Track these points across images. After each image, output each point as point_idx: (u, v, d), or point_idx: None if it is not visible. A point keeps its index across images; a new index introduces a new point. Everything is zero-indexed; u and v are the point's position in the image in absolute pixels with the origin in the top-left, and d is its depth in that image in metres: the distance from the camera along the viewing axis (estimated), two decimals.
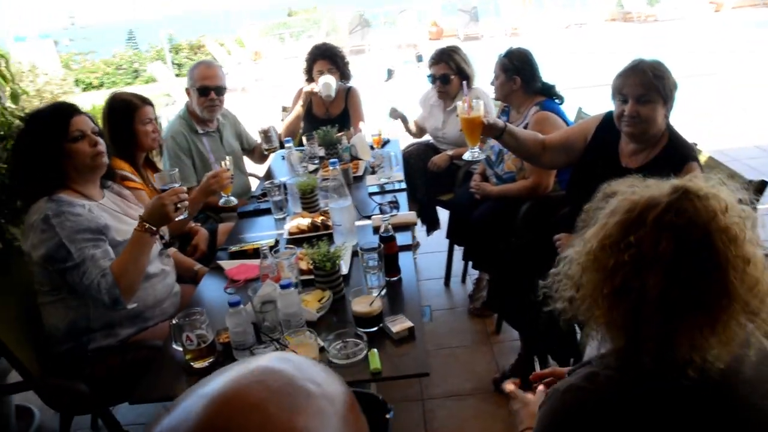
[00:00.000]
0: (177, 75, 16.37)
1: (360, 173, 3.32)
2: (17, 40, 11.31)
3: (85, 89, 14.80)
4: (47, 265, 1.97)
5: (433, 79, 3.56)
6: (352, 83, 4.04)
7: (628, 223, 1.00)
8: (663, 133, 2.16)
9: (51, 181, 2.03)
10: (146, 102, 2.72)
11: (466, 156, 2.44)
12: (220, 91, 3.32)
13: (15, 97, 2.62)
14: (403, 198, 2.92)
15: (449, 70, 3.52)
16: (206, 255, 2.74)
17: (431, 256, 3.95)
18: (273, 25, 18.74)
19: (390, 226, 2.11)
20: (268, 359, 0.53)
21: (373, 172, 3.28)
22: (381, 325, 1.80)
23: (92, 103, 6.63)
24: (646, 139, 2.18)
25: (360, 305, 1.81)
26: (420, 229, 3.99)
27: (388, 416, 0.62)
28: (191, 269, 2.54)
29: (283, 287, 1.77)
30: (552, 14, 14.81)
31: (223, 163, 2.63)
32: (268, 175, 3.59)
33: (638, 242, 0.97)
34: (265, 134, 3.49)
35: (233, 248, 2.52)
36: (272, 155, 3.72)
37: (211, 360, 1.75)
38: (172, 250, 2.57)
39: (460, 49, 3.63)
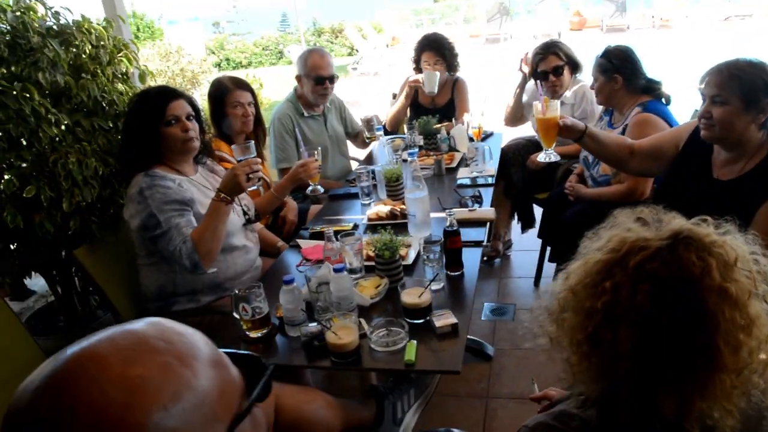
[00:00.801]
0: None
1: (453, 165, 3.32)
2: (170, 23, 12.36)
3: (234, 67, 15.96)
4: (141, 233, 2.17)
5: (544, 74, 3.44)
6: (459, 74, 4.02)
7: (609, 265, 0.89)
8: (763, 144, 1.96)
9: (149, 157, 2.23)
10: (240, 86, 2.88)
11: (541, 157, 2.40)
12: (333, 79, 3.47)
13: (143, 77, 2.90)
14: (488, 193, 2.88)
15: (560, 61, 3.40)
16: (294, 231, 2.89)
17: (525, 254, 3.85)
18: (413, 10, 18.91)
19: (455, 221, 2.10)
20: (136, 323, 0.60)
21: (467, 165, 3.26)
22: (428, 317, 1.82)
23: None
24: (735, 148, 1.99)
25: (409, 296, 1.84)
26: (515, 227, 3.93)
27: (266, 373, 0.69)
28: (275, 245, 2.70)
29: (336, 271, 1.84)
30: (709, 5, 13.59)
31: (315, 153, 2.74)
32: (368, 160, 3.69)
33: (614, 289, 0.87)
34: (368, 123, 3.57)
35: (314, 228, 2.64)
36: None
37: (264, 331, 1.87)
38: (259, 225, 2.74)
39: (561, 41, 3.51)
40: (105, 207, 2.48)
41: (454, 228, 2.09)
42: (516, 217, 3.86)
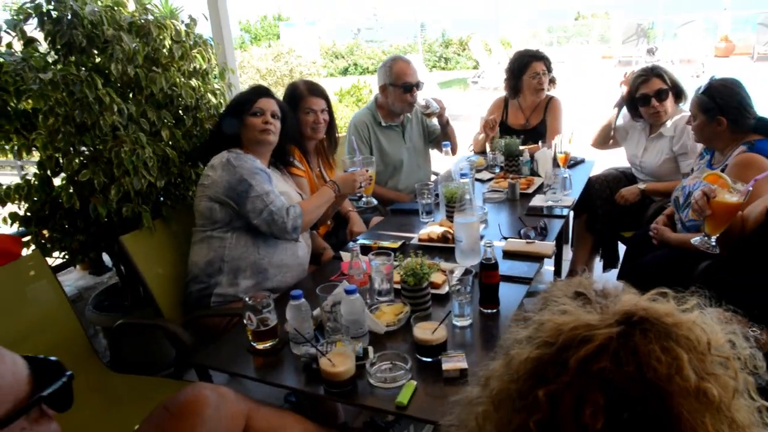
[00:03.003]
0: (441, 68, 17.16)
1: (529, 191, 3.09)
2: (287, 25, 12.82)
3: (361, 73, 16.37)
4: (227, 194, 2.27)
5: (645, 98, 3.12)
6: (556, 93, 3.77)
7: (542, 364, 0.66)
8: None
9: (232, 139, 2.40)
10: (314, 92, 2.84)
11: (695, 241, 2.09)
12: (420, 85, 3.37)
13: (222, 74, 2.96)
14: (557, 226, 2.64)
15: (664, 84, 3.07)
16: (345, 242, 2.82)
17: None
18: (548, 28, 18.42)
19: (493, 252, 1.91)
20: None
21: (545, 192, 3.02)
22: (439, 357, 1.66)
23: (339, 86, 7.28)
24: None
25: (421, 331, 1.68)
26: (598, 265, 3.61)
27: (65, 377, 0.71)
28: (321, 249, 2.64)
29: (347, 292, 1.73)
30: None
31: (370, 164, 2.66)
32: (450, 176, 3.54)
33: (551, 401, 0.63)
34: (425, 107, 3.41)
35: (361, 241, 2.54)
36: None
37: (271, 343, 1.79)
38: (312, 231, 2.70)
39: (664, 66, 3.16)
40: (158, 196, 2.53)
41: (492, 261, 1.90)
42: (599, 254, 3.53)
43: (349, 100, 6.70)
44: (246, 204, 2.25)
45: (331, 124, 2.97)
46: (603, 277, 3.57)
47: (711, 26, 14.53)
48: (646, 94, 3.10)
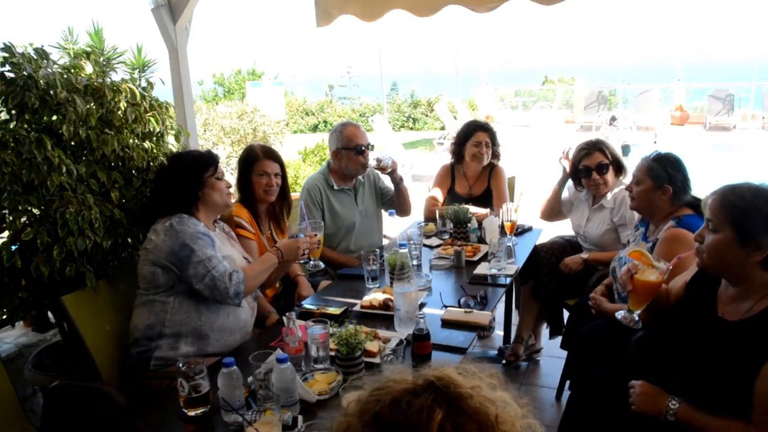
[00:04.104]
0: (409, 128, 17.55)
1: (475, 258, 3.17)
2: (253, 85, 13.10)
3: (327, 129, 16.66)
4: (169, 259, 2.28)
5: (587, 171, 3.28)
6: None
7: (362, 404, 0.82)
8: None
9: (183, 204, 2.41)
10: (269, 156, 2.92)
11: (619, 315, 2.12)
12: (371, 147, 3.48)
13: (177, 136, 3.02)
14: (498, 294, 2.72)
15: (605, 159, 3.24)
16: (292, 305, 2.84)
17: (555, 361, 3.58)
18: (516, 91, 19.08)
19: (425, 323, 1.96)
20: None
21: (490, 260, 3.10)
22: None
23: (304, 145, 7.40)
24: (737, 283, 1.77)
25: (348, 401, 1.71)
26: (545, 331, 3.68)
27: None
28: (266, 313, 2.66)
29: (278, 361, 1.76)
30: None
31: (318, 228, 2.72)
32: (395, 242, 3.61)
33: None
34: (378, 162, 3.50)
35: (306, 306, 2.58)
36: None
37: (202, 410, 1.79)
38: (258, 293, 2.72)
39: (606, 140, 3.34)
40: (104, 257, 2.54)
41: (423, 332, 1.95)
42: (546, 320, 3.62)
43: (313, 159, 6.81)
44: (188, 269, 2.27)
45: (284, 189, 3.04)
46: (549, 343, 3.65)
47: (667, 95, 15.27)
48: (588, 166, 3.26)
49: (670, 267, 2.02)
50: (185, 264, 2.26)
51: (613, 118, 12.53)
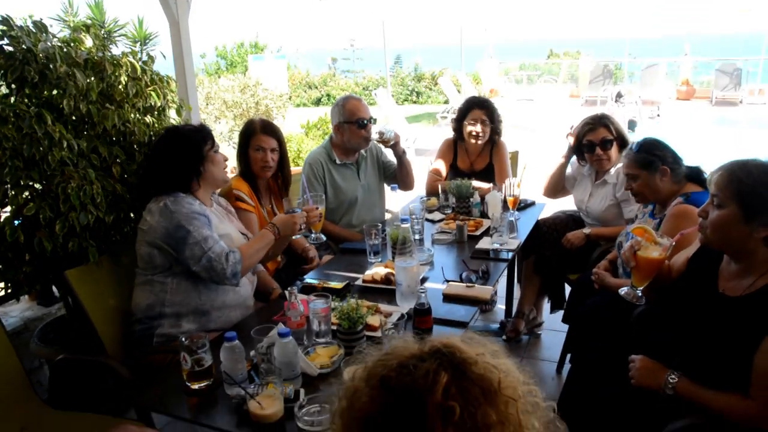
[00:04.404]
0: (413, 102, 17.42)
1: (477, 233, 3.17)
2: (256, 59, 13.00)
3: (330, 103, 16.56)
4: (165, 241, 2.26)
5: (591, 146, 3.26)
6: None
7: (362, 370, 0.86)
8: None
9: (184, 180, 2.37)
10: (266, 131, 2.91)
11: (623, 292, 2.13)
12: (373, 120, 3.47)
13: (179, 110, 3.01)
14: (500, 268, 2.72)
15: (609, 134, 3.21)
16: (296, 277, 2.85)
17: (556, 335, 3.60)
18: (520, 65, 18.88)
19: (426, 297, 1.97)
20: None
21: (492, 235, 3.11)
22: None
23: (307, 118, 7.37)
24: (740, 259, 1.77)
25: (350, 374, 1.72)
26: (546, 305, 3.70)
27: None
28: (269, 288, 2.67)
29: (280, 335, 1.77)
30: None
31: (319, 200, 2.71)
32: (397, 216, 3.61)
33: (354, 393, 0.83)
34: (380, 135, 3.47)
35: (308, 280, 2.59)
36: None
37: (204, 384, 1.82)
38: (260, 267, 2.73)
39: (611, 116, 3.30)
40: (106, 232, 2.55)
41: (425, 307, 1.96)
42: (547, 295, 3.63)
43: (316, 133, 6.78)
44: (184, 250, 2.24)
45: (283, 164, 3.03)
46: (551, 317, 3.67)
47: (674, 70, 15.10)
48: (592, 141, 3.23)
49: (674, 243, 2.02)
50: (181, 245, 2.24)
51: (619, 95, 12.37)
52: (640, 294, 2.08)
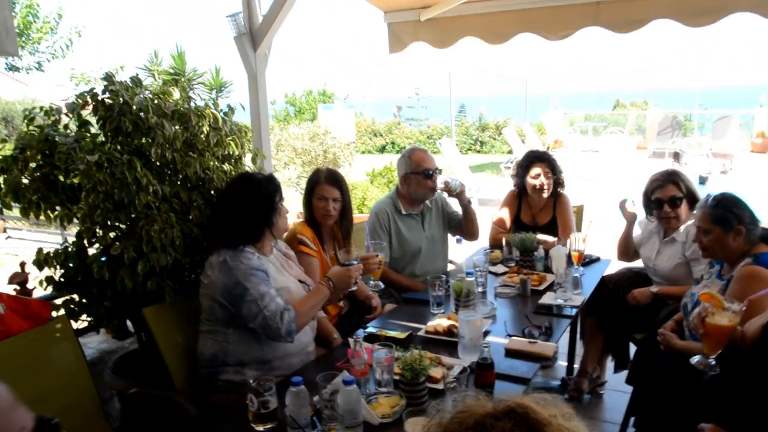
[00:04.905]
0: (477, 151, 17.49)
1: (541, 288, 3.15)
2: (326, 108, 13.42)
3: (398, 152, 16.83)
4: (224, 297, 2.34)
5: (659, 203, 3.21)
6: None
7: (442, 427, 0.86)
8: None
9: (254, 232, 2.46)
10: (330, 181, 3.00)
11: (694, 361, 2.10)
12: (439, 171, 3.54)
13: (254, 159, 3.17)
14: (562, 325, 2.69)
15: (679, 192, 3.15)
16: (359, 325, 2.89)
17: (620, 396, 3.48)
18: (585, 116, 18.72)
19: (489, 353, 1.98)
20: None
21: (556, 290, 3.08)
22: None
23: (372, 166, 7.53)
24: None
25: (411, 426, 1.74)
26: (609, 364, 3.59)
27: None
28: (330, 337, 2.72)
29: (345, 383, 1.81)
30: None
31: (380, 249, 2.78)
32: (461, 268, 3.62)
33: None
34: (446, 184, 3.50)
35: (370, 330, 2.63)
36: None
37: (270, 426, 1.87)
38: (321, 314, 2.80)
39: (681, 172, 3.24)
40: (182, 273, 2.68)
41: (488, 361, 1.96)
42: (611, 354, 3.53)
43: (381, 181, 6.93)
44: (242, 308, 2.30)
45: (345, 213, 3.10)
46: (614, 377, 3.56)
47: (747, 121, 14.60)
48: (660, 199, 3.18)
49: (744, 308, 1.96)
50: (239, 302, 2.30)
51: (677, 155, 11.87)
52: (713, 363, 2.02)
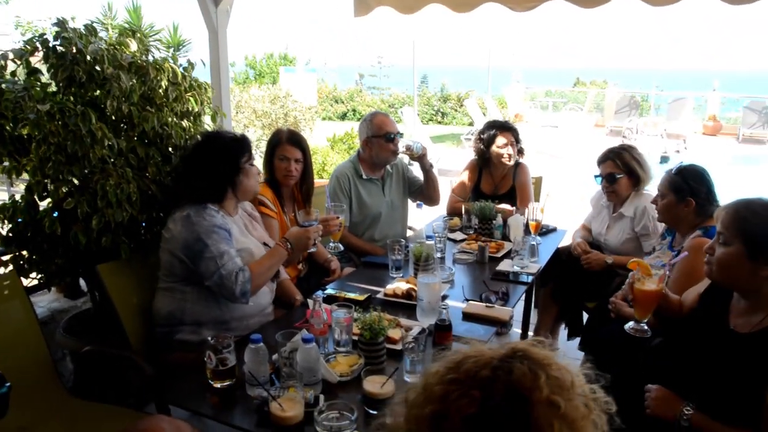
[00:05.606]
0: (438, 122, 17.51)
1: (498, 255, 3.20)
2: (287, 70, 13.19)
3: (359, 119, 16.71)
4: (184, 252, 2.30)
5: (600, 178, 3.31)
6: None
7: (444, 372, 0.86)
8: None
9: (217, 191, 2.41)
10: (292, 141, 2.97)
11: (628, 327, 2.17)
12: (400, 135, 3.54)
13: (214, 117, 3.09)
14: (519, 291, 2.75)
15: (616, 169, 3.24)
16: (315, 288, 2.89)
17: (572, 362, 3.58)
18: (546, 91, 18.92)
19: (448, 314, 2.01)
20: None
21: (513, 258, 3.14)
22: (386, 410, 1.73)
23: (333, 132, 7.47)
24: (748, 295, 1.79)
25: (371, 384, 1.76)
26: (562, 332, 3.70)
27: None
28: (293, 298, 2.72)
29: (304, 341, 1.82)
30: None
31: (341, 211, 2.77)
32: (420, 233, 3.65)
33: (444, 396, 0.83)
34: (408, 148, 3.52)
35: (329, 291, 2.63)
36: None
37: (228, 383, 1.87)
38: (285, 276, 2.78)
39: (634, 148, 3.32)
40: (138, 230, 2.62)
41: (446, 323, 2.00)
42: (564, 322, 3.64)
43: (341, 147, 6.88)
44: (200, 264, 2.27)
45: (306, 174, 3.08)
46: (567, 344, 3.67)
47: (701, 104, 15.03)
48: (599, 174, 3.29)
49: (667, 273, 2.04)
50: (198, 258, 2.26)
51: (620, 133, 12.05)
52: (645, 328, 2.10)
